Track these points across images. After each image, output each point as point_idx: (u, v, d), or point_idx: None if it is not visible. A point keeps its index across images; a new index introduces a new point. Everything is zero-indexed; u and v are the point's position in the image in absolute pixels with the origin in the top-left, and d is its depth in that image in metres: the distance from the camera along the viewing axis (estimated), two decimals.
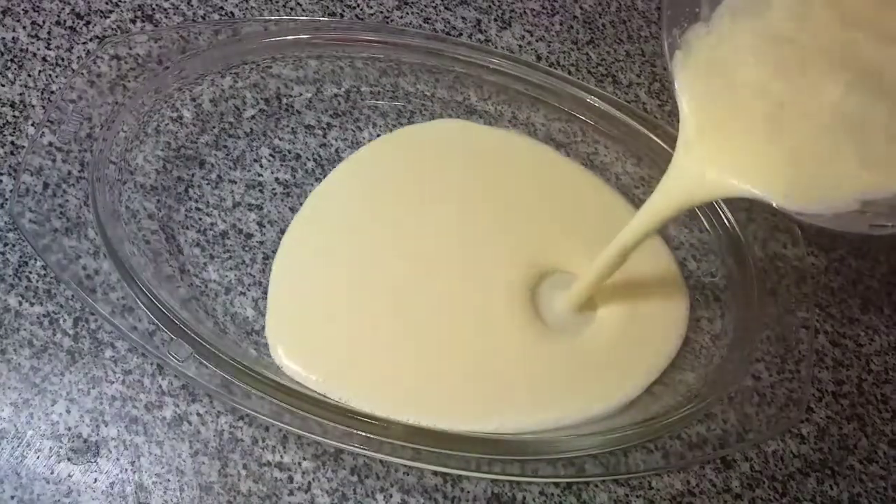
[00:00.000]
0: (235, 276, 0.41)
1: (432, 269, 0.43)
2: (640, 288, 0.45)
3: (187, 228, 0.42)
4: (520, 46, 0.54)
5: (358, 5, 0.53)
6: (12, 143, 0.42)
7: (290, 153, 0.46)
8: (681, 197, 0.36)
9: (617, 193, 0.49)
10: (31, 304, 0.38)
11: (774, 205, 0.33)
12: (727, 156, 0.34)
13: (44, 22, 0.46)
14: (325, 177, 0.46)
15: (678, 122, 0.36)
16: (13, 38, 0.45)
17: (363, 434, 0.36)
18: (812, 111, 0.33)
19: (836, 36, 0.34)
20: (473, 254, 0.44)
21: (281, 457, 0.37)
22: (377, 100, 0.49)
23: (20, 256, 0.39)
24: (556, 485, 0.39)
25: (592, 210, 0.48)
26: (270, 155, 0.46)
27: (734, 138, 0.34)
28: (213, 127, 0.45)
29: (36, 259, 0.39)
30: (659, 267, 0.46)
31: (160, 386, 0.37)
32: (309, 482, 0.37)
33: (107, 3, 0.48)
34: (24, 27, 0.46)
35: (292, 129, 0.47)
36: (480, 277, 0.44)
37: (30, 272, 0.39)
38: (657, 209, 0.37)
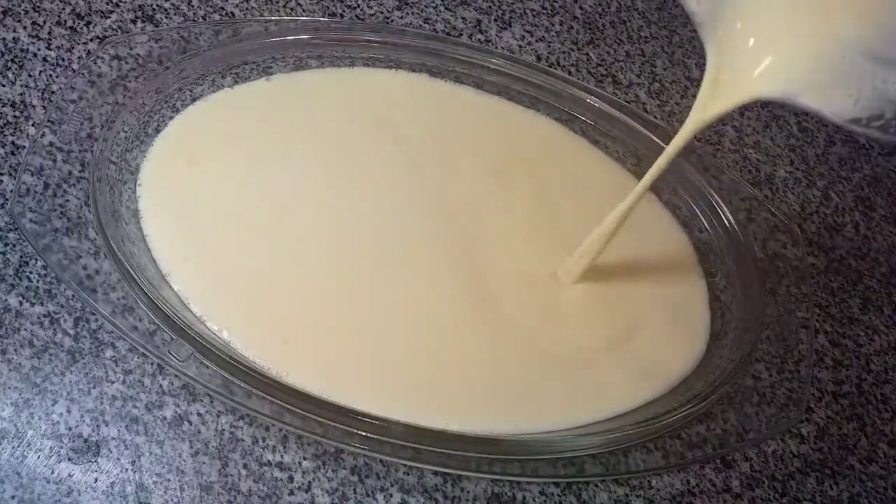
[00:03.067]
0: None
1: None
2: (664, 296, 0.45)
3: None
4: (520, 47, 0.54)
5: (358, 6, 0.53)
6: (13, 143, 0.42)
7: None
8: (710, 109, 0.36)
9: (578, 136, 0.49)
10: (32, 304, 0.38)
11: (804, 104, 0.32)
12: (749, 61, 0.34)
13: (44, 22, 0.46)
14: None
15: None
16: (14, 39, 0.45)
17: (363, 434, 0.36)
18: None
19: None
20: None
21: (281, 456, 0.37)
22: None
23: (21, 256, 0.39)
24: (557, 484, 0.39)
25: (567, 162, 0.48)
26: None
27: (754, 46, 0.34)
28: None
29: (36, 259, 0.39)
30: (689, 288, 0.46)
31: (161, 386, 0.37)
32: (309, 482, 0.37)
33: (107, 4, 0.48)
34: (24, 27, 0.46)
35: None
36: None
37: (30, 272, 0.39)
38: (695, 120, 0.37)
